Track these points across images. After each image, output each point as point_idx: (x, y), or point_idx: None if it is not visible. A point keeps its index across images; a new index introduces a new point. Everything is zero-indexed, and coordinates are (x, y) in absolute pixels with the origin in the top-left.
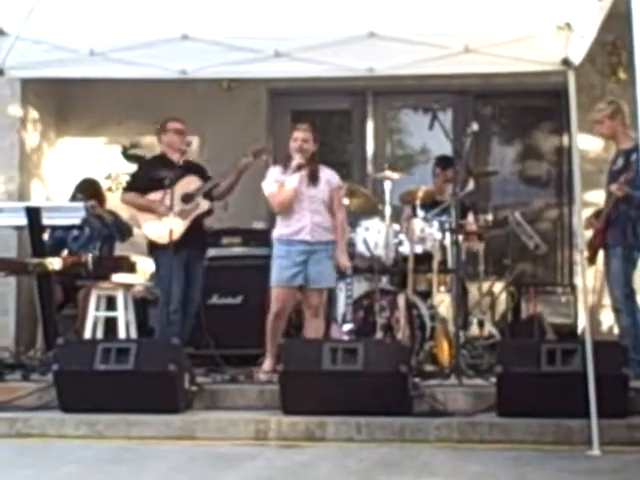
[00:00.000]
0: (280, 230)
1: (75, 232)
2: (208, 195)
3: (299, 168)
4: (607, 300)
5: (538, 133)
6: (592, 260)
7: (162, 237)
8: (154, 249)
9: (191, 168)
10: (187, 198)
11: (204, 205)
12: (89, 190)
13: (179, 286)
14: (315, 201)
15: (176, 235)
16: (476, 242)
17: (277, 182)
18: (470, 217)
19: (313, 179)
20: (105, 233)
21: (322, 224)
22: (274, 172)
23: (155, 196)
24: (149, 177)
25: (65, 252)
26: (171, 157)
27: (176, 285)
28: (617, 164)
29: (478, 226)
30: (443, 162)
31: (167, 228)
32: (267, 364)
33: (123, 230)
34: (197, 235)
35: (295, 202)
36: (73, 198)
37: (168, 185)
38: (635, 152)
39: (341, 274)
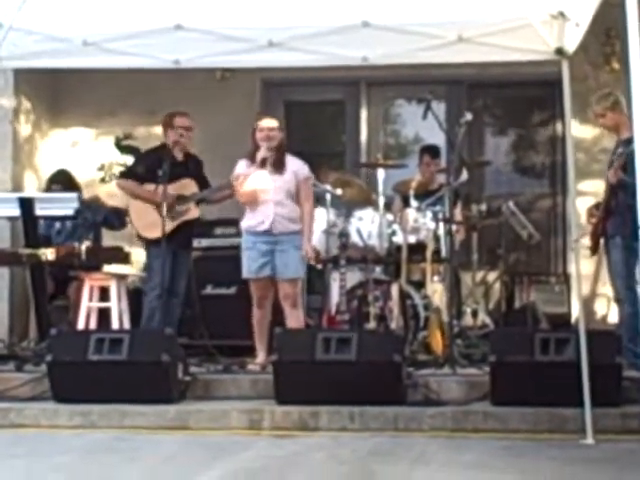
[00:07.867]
0: (247, 221)
1: (57, 225)
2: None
3: (263, 162)
4: (601, 289)
5: (532, 123)
6: (594, 250)
7: (151, 232)
8: (144, 239)
9: (189, 164)
10: (181, 200)
11: (194, 212)
12: (63, 181)
13: (165, 274)
14: (280, 192)
15: (162, 232)
16: (461, 232)
17: (242, 176)
18: (457, 207)
19: (278, 169)
20: (89, 222)
21: (286, 215)
22: (241, 165)
23: (150, 187)
24: (149, 168)
25: None
26: (173, 152)
27: (161, 273)
28: (617, 154)
29: (464, 216)
30: (432, 151)
31: (156, 224)
32: (260, 357)
33: (121, 216)
34: (183, 233)
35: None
36: (47, 190)
37: (161, 179)
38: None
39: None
